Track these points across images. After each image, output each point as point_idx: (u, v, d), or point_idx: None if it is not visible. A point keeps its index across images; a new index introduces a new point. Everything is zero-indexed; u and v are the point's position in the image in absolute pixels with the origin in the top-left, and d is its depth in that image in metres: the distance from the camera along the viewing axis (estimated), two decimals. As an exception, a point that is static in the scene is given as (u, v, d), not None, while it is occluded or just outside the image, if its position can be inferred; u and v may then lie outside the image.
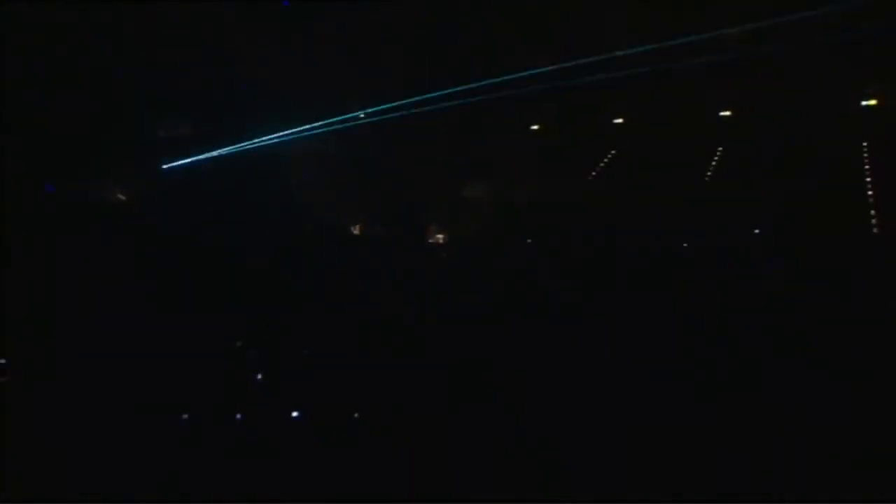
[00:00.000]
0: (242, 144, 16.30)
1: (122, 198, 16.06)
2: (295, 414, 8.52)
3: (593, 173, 18.51)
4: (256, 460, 7.41)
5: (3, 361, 9.09)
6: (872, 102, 14.56)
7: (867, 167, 14.47)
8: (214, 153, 16.29)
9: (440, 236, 17.39)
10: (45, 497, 6.74)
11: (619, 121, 17.95)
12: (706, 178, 17.12)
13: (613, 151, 18.55)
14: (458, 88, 16.29)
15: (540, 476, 6.95)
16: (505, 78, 16.97)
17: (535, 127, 18.32)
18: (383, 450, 7.48)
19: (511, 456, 7.23)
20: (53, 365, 9.07)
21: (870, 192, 13.83)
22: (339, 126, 17.05)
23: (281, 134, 16.56)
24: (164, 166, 16.32)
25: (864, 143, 14.82)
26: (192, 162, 16.26)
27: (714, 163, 17.37)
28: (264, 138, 16.41)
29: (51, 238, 12.29)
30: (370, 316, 11.65)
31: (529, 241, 16.11)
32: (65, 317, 10.32)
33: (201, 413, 8.38)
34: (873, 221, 13.24)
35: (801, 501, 6.47)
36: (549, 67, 17.22)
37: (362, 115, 18.19)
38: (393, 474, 7.00)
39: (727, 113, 16.73)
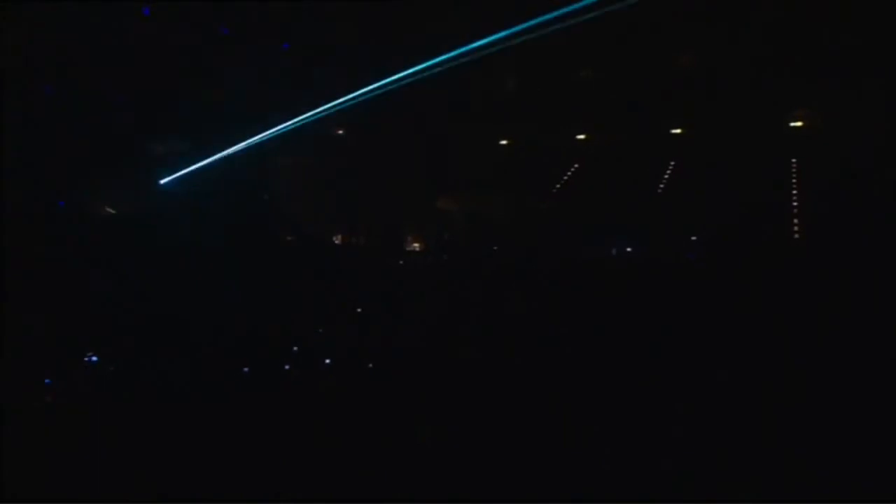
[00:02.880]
0: (233, 158, 16.97)
1: (112, 210, 16.86)
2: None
3: (557, 185, 19.88)
4: (253, 462, 7.30)
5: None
6: (799, 124, 16.31)
7: (794, 180, 16.05)
8: (206, 168, 16.92)
9: (417, 244, 18.43)
10: (44, 497, 6.75)
11: (582, 136, 19.26)
12: (659, 190, 18.53)
13: (577, 165, 19.82)
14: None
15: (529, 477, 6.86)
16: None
17: (503, 142, 19.67)
18: (377, 452, 7.40)
19: (496, 458, 7.14)
20: (52, 368, 9.47)
21: (794, 203, 15.40)
22: (323, 142, 17.96)
23: (267, 149, 17.55)
24: (158, 180, 17.05)
25: (793, 160, 16.44)
26: (184, 175, 17.00)
27: (667, 176, 18.76)
28: (252, 153, 17.32)
29: (50, 247, 13.03)
30: (359, 317, 12.65)
31: (495, 247, 17.27)
32: (64, 322, 10.89)
33: (198, 416, 8.43)
34: (795, 228, 14.81)
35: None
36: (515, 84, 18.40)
37: (341, 132, 19.15)
38: (385, 476, 6.94)
39: (678, 130, 18.22)
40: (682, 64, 17.17)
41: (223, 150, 16.90)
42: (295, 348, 10.73)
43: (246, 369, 9.54)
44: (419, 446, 7.44)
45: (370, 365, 9.69)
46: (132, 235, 15.00)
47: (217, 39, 16.36)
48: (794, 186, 15.85)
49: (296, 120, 17.03)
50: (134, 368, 10.07)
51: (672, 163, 18.69)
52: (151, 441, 7.79)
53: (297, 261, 15.92)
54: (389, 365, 10.28)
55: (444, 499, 6.50)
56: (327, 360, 9.86)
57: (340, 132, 19.14)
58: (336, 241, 18.76)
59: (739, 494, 6.37)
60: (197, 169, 16.92)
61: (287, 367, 9.77)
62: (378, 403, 8.65)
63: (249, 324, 11.58)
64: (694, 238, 15.21)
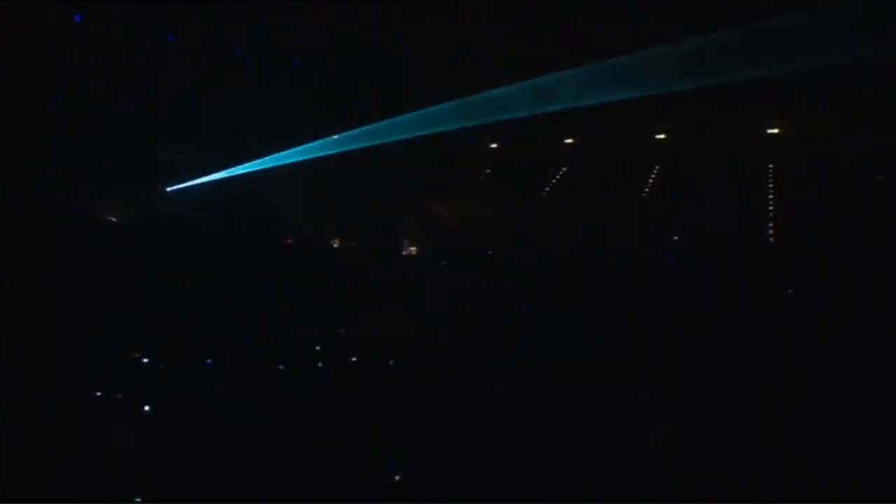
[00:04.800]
0: (233, 165, 17.18)
1: (119, 216, 16.81)
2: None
3: (546, 189, 19.93)
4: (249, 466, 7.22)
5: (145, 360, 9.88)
6: (776, 130, 16.40)
7: (771, 185, 16.15)
8: (206, 175, 17.15)
9: (413, 248, 18.49)
10: (45, 497, 6.65)
11: (570, 141, 19.39)
12: (643, 194, 18.62)
13: (564, 168, 19.92)
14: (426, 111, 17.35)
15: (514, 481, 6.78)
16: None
17: (493, 145, 19.73)
18: (374, 454, 7.32)
19: (497, 458, 7.08)
20: (51, 371, 9.07)
21: (770, 207, 15.52)
22: (322, 149, 18.03)
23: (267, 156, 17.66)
24: (164, 187, 17.24)
25: (770, 165, 16.51)
26: (188, 183, 17.17)
27: (651, 180, 18.86)
28: (253, 160, 17.41)
29: (53, 252, 12.54)
30: (354, 320, 12.58)
31: (490, 252, 17.35)
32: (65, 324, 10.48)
33: (199, 416, 8.38)
34: (770, 230, 14.91)
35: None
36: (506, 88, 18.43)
37: (336, 137, 19.20)
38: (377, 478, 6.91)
39: (662, 136, 18.29)
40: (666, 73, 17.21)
41: (228, 157, 17.04)
42: (318, 347, 10.79)
43: (251, 369, 9.54)
44: (421, 446, 7.44)
45: (376, 363, 9.72)
46: (140, 240, 15.04)
47: (224, 49, 16.38)
48: (771, 190, 15.97)
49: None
50: (142, 370, 10.05)
51: (656, 167, 18.82)
52: (153, 441, 7.81)
53: (298, 263, 15.91)
54: (388, 366, 10.31)
55: (445, 499, 6.48)
56: (353, 359, 9.90)
57: (337, 137, 19.22)
58: (334, 245, 18.79)
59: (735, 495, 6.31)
60: (202, 175, 17.06)
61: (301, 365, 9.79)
62: (379, 404, 8.64)
63: (256, 324, 11.57)
64: (676, 238, 15.30)
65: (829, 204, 13.89)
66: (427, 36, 15.95)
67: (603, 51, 15.23)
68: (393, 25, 15.53)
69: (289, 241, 18.09)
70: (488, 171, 19.51)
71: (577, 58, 15.20)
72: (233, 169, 17.07)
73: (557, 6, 14.67)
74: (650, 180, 18.84)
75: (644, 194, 18.45)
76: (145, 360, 10.15)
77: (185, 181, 17.13)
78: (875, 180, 14.27)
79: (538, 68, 15.59)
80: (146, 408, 8.61)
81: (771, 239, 14.82)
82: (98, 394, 9.05)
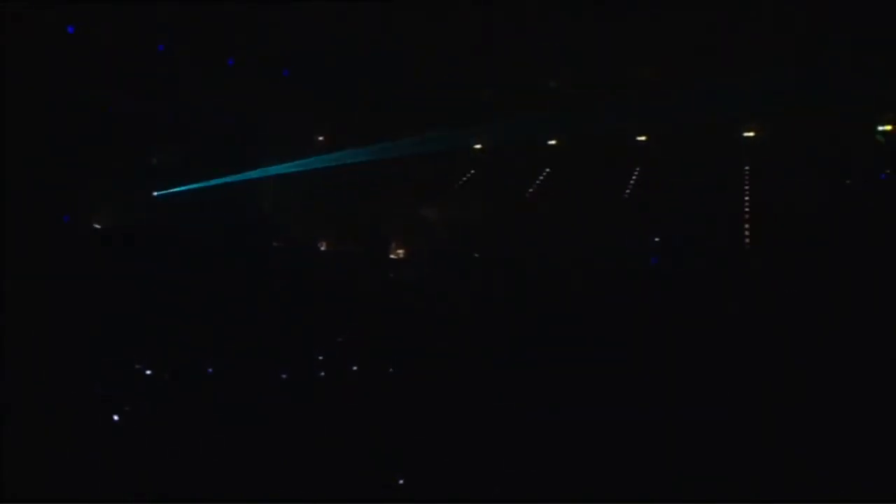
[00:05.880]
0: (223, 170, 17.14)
1: (114, 221, 16.64)
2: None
3: (530, 190, 19.97)
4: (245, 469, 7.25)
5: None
6: (751, 134, 16.57)
7: (746, 187, 16.35)
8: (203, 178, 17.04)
9: (400, 251, 18.43)
10: (45, 497, 6.64)
11: (553, 142, 19.48)
12: (625, 195, 18.70)
13: (548, 169, 19.97)
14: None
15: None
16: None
17: (478, 146, 19.73)
18: (374, 455, 7.32)
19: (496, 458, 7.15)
20: (51, 372, 9.01)
21: (746, 209, 15.71)
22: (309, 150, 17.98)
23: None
24: (164, 189, 17.16)
25: (746, 168, 16.72)
26: (180, 189, 17.09)
27: (632, 181, 18.97)
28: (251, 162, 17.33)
29: (53, 253, 12.69)
30: (345, 322, 12.66)
31: (477, 255, 17.42)
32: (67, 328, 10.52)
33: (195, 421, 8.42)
34: (746, 232, 15.11)
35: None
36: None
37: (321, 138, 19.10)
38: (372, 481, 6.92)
39: (643, 138, 18.44)
40: (647, 75, 17.39)
41: (227, 159, 17.03)
42: (320, 357, 10.78)
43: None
44: (422, 447, 7.43)
45: (376, 364, 9.70)
46: (130, 246, 14.93)
47: (216, 52, 16.30)
48: (746, 192, 16.17)
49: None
50: (142, 371, 10.03)
51: (637, 169, 18.96)
52: (153, 442, 7.81)
53: (289, 268, 15.87)
54: (388, 367, 10.35)
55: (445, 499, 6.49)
56: (354, 368, 9.88)
57: (321, 138, 19.14)
58: (322, 248, 18.71)
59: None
60: (192, 180, 16.93)
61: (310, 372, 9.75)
62: (379, 405, 8.69)
63: (255, 327, 11.60)
64: (657, 239, 15.45)
65: (824, 203, 14.07)
66: (427, 36, 15.95)
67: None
68: (393, 25, 15.51)
69: (284, 243, 18.01)
70: (471, 173, 19.51)
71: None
72: (230, 172, 17.00)
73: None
74: (631, 181, 18.97)
75: (625, 195, 18.58)
76: (145, 362, 10.08)
77: (183, 184, 17.01)
78: (862, 180, 14.51)
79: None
80: (146, 409, 8.55)
81: (754, 239, 15.00)
82: (97, 395, 9.06)
